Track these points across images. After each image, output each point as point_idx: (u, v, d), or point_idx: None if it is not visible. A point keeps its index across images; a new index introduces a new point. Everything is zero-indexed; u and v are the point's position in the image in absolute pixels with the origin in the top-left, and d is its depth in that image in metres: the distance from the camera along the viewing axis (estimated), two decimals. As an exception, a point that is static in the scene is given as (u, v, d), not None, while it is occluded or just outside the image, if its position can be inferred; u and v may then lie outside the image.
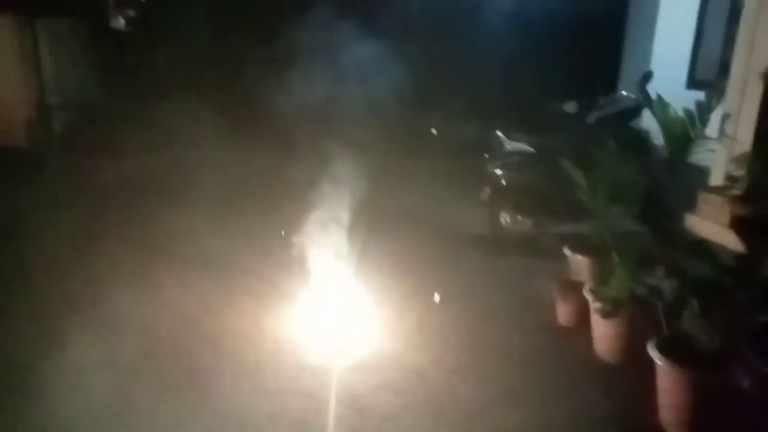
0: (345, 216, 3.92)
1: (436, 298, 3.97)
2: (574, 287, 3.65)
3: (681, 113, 4.17)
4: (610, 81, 7.81)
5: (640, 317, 2.88)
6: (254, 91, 4.96)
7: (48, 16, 5.77)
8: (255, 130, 5.34)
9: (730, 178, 3.24)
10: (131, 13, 6.16)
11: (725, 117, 3.56)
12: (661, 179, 4.39)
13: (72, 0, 5.83)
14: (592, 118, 5.72)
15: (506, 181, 5.25)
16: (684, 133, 3.87)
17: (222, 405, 2.70)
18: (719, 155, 3.60)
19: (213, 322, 3.43)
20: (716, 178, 3.54)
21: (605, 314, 2.93)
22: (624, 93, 5.91)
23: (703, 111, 4.14)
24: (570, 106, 6.48)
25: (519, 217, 5.36)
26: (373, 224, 4.79)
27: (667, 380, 2.57)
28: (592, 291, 3.24)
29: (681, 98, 5.10)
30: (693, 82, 5.88)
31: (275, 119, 4.57)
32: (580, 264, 3.82)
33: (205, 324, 3.40)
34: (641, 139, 5.14)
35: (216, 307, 3.61)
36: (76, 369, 2.86)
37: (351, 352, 3.17)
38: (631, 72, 7.17)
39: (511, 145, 5.33)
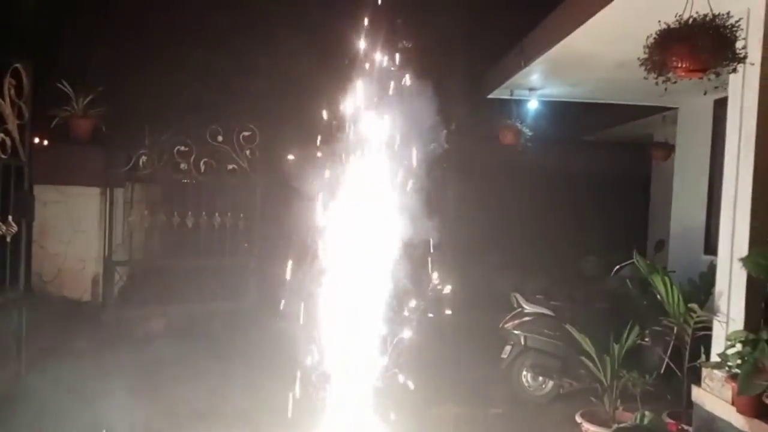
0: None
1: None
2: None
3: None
4: (640, 239, 8.05)
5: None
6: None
7: (126, 185, 6.76)
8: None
9: (725, 356, 3.36)
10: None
11: (718, 294, 3.76)
12: (669, 349, 4.53)
13: (147, 178, 6.76)
14: (612, 281, 5.96)
15: (526, 341, 5.44)
16: (685, 309, 4.08)
17: None
18: (717, 331, 3.74)
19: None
20: (715, 354, 3.64)
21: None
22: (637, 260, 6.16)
23: (706, 282, 4.39)
24: (592, 264, 6.74)
25: (540, 378, 5.46)
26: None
27: None
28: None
29: (701, 262, 5.33)
30: (709, 248, 6.09)
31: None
32: (590, 434, 3.87)
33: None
34: (657, 305, 5.29)
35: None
36: None
37: None
38: (655, 235, 7.47)
39: (530, 307, 5.57)
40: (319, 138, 4.22)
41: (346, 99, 3.74)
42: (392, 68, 3.77)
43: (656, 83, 3.02)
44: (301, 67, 7.37)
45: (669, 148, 7.51)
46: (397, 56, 3.72)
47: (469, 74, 7.03)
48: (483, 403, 5.32)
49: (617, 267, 5.91)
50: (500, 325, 5.64)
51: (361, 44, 3.59)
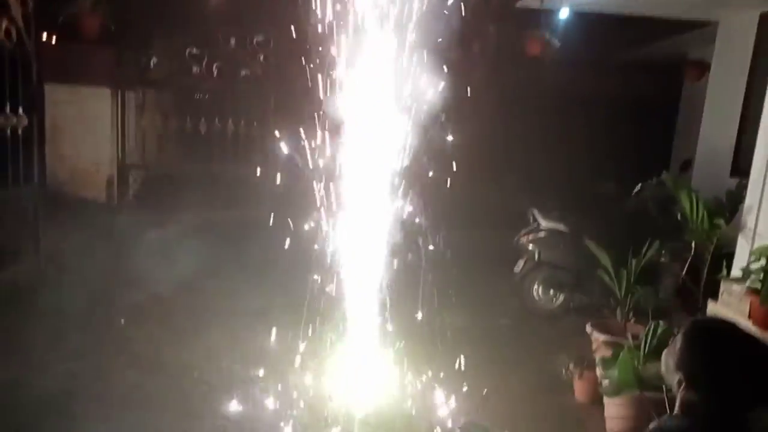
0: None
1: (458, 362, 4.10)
2: (592, 365, 3.73)
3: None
4: (660, 164, 7.86)
5: (647, 399, 2.93)
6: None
7: (137, 88, 6.60)
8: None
9: (748, 271, 3.28)
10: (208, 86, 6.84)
11: (747, 209, 3.64)
12: (689, 265, 4.46)
13: (159, 81, 6.57)
14: (631, 201, 5.84)
15: (539, 256, 5.41)
16: (710, 223, 3.97)
17: None
18: (741, 247, 3.65)
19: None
20: (738, 269, 3.57)
21: (609, 394, 3.00)
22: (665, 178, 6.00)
23: (733, 200, 4.25)
24: (611, 188, 6.62)
25: (551, 291, 5.47)
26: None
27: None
28: (602, 370, 3.31)
29: (726, 185, 5.17)
30: (737, 170, 5.89)
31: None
32: (600, 342, 3.88)
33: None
34: (677, 225, 5.18)
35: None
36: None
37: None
38: (680, 156, 7.24)
39: (546, 223, 5.49)
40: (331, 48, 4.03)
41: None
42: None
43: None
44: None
45: (704, 67, 7.14)
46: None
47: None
48: (493, 314, 5.36)
49: (638, 187, 5.77)
50: (515, 239, 5.61)
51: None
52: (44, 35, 5.68)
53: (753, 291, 3.28)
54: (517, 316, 5.38)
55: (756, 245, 3.42)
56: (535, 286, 5.56)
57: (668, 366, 1.62)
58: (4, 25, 3.82)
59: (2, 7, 3.80)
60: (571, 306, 5.41)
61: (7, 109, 4.03)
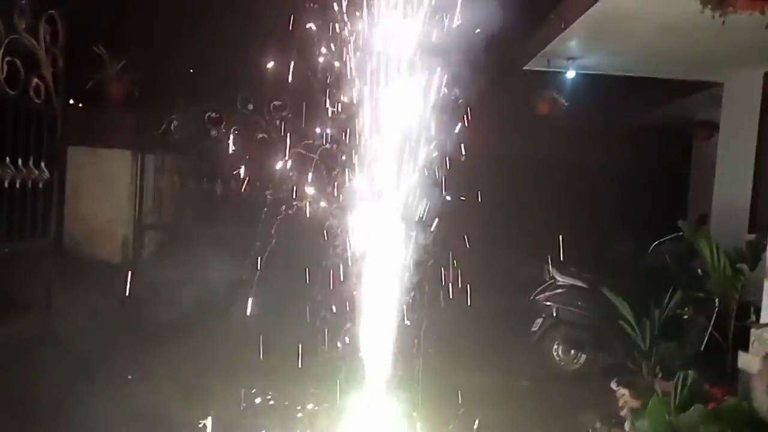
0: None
1: (476, 425, 3.90)
2: (619, 422, 3.53)
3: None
4: (675, 221, 7.80)
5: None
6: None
7: (157, 150, 6.78)
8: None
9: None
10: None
11: (770, 256, 3.56)
12: (712, 317, 4.31)
13: (178, 145, 6.76)
14: (649, 257, 5.75)
15: (557, 313, 5.26)
16: (732, 270, 3.87)
17: None
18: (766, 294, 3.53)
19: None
20: (765, 316, 3.44)
21: (640, 447, 2.81)
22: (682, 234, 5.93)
23: (754, 249, 4.17)
24: (629, 245, 6.54)
25: (571, 351, 5.28)
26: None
27: None
28: (631, 422, 3.13)
29: (744, 240, 5.09)
30: (754, 226, 5.82)
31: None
32: (626, 397, 3.69)
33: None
34: (696, 280, 5.06)
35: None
36: None
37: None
38: (695, 213, 7.20)
39: (563, 279, 5.39)
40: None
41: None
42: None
43: (713, 17, 2.83)
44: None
45: (712, 127, 7.23)
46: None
47: (504, 43, 6.83)
48: (512, 376, 5.15)
49: (656, 242, 5.70)
50: (532, 297, 5.48)
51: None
52: (70, 99, 5.96)
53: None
54: (537, 378, 5.16)
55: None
56: (555, 346, 5.38)
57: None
58: (34, 83, 3.98)
59: (34, 65, 3.97)
60: (594, 367, 5.20)
61: (30, 164, 4.11)
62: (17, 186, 3.98)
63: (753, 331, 3.43)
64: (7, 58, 3.66)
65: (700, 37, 4.91)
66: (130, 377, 4.14)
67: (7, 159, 3.86)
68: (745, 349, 3.54)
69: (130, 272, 6.24)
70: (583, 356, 5.24)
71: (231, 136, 6.83)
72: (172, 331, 5.29)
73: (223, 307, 5.79)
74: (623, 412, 3.54)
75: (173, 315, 5.71)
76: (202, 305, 6.12)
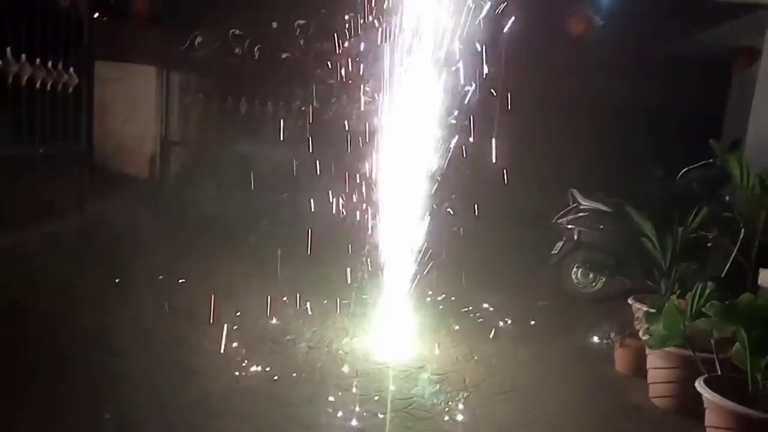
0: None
1: (492, 333, 4.02)
2: (633, 335, 3.59)
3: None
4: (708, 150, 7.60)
5: (692, 359, 2.79)
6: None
7: (182, 68, 6.76)
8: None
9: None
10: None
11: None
12: (738, 238, 4.27)
13: (203, 62, 6.73)
14: (677, 183, 5.64)
15: (579, 236, 5.26)
16: (761, 189, 3.79)
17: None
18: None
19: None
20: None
21: (653, 344, 2.87)
22: (712, 161, 5.79)
23: (788, 171, 4.05)
24: (658, 171, 6.40)
25: (590, 275, 5.31)
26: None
27: (716, 417, 2.47)
28: (645, 330, 3.17)
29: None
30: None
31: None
32: (642, 312, 3.73)
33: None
34: (725, 207, 4.98)
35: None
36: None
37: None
38: (729, 139, 6.99)
39: (587, 203, 5.35)
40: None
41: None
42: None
43: None
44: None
45: (755, 54, 6.89)
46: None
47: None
48: (530, 297, 5.22)
49: (686, 168, 5.59)
50: (553, 220, 5.47)
51: None
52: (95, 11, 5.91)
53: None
54: (555, 299, 5.23)
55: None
56: (574, 269, 5.41)
57: None
58: (60, -15, 3.96)
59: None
60: (612, 290, 5.24)
61: (60, 67, 4.15)
62: (48, 88, 4.04)
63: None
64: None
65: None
66: (161, 277, 4.29)
67: (38, 60, 3.90)
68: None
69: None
70: (602, 280, 5.26)
71: (255, 54, 6.78)
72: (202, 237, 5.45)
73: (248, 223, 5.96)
74: (638, 325, 3.58)
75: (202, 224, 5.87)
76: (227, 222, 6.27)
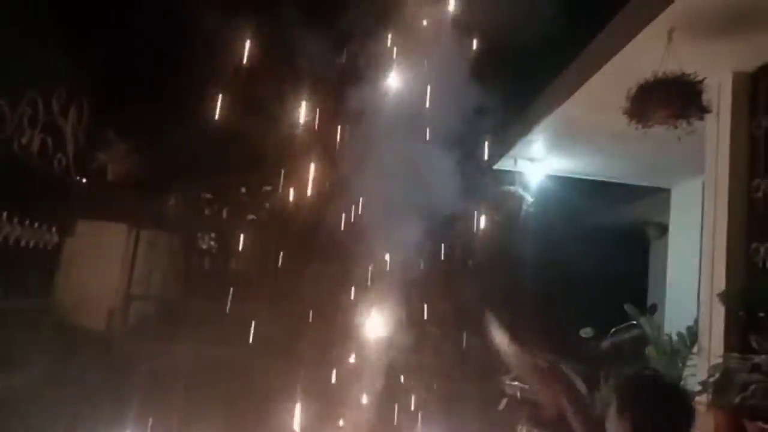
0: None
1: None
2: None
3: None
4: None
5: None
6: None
7: (151, 229, 7.21)
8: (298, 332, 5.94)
9: (706, 384, 3.58)
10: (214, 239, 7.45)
11: (701, 334, 4.03)
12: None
13: (172, 222, 7.23)
14: (606, 343, 6.15)
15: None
16: (672, 352, 4.33)
17: None
18: (699, 367, 3.97)
19: None
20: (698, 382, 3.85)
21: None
22: (635, 323, 6.38)
23: (692, 334, 4.65)
24: (587, 332, 6.94)
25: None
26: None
27: None
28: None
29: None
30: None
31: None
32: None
33: None
34: (646, 360, 5.46)
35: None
36: None
37: None
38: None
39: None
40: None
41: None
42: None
43: (636, 129, 3.50)
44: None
45: (663, 228, 7.93)
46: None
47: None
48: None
49: (613, 329, 6.13)
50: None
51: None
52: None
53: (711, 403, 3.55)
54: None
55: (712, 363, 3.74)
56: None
57: None
58: (58, 157, 4.49)
59: (60, 141, 4.50)
60: (556, 445, 5.42)
61: (44, 227, 4.52)
62: (30, 246, 4.37)
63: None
64: (41, 134, 4.18)
65: (644, 146, 5.64)
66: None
67: (27, 221, 4.27)
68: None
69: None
70: (546, 435, 5.48)
71: (222, 215, 7.37)
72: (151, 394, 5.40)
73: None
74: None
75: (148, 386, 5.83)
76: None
